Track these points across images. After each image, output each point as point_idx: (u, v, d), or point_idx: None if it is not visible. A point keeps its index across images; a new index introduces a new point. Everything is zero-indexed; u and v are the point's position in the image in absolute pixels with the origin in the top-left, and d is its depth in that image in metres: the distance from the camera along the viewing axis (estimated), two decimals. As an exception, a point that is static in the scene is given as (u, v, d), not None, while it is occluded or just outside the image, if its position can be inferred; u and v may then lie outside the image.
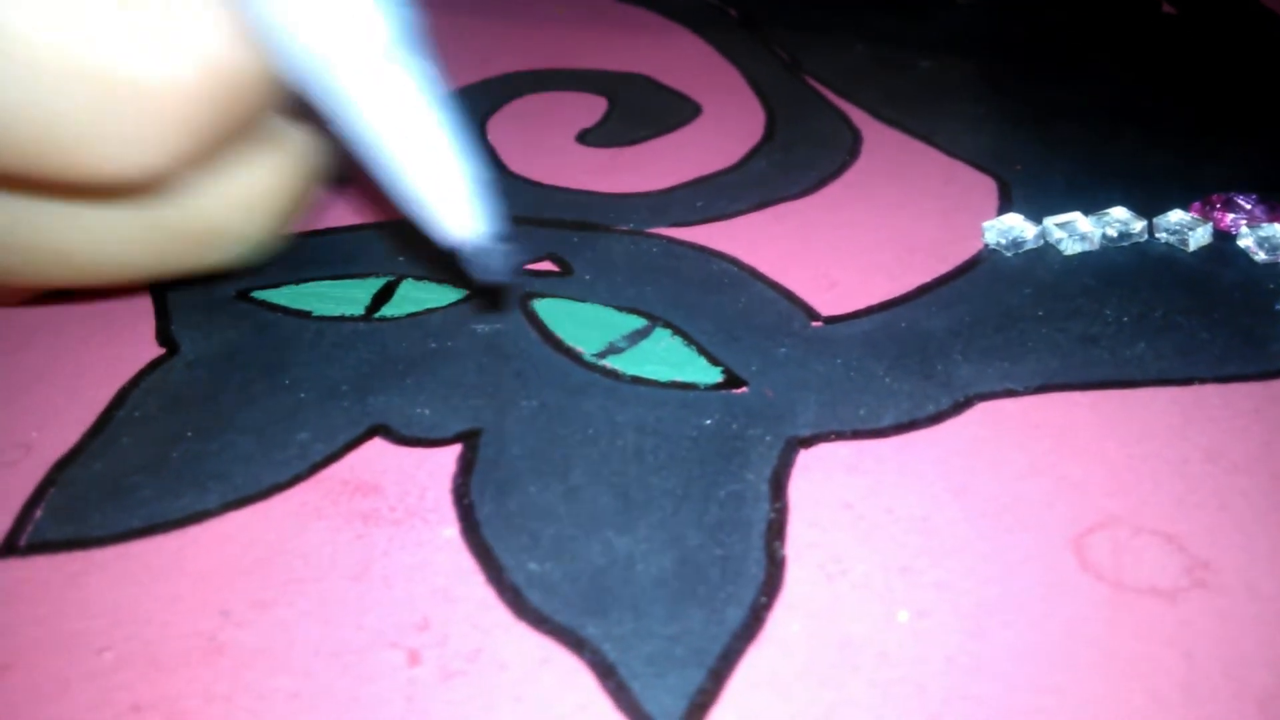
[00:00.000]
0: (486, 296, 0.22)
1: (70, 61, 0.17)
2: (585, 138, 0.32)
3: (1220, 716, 0.16)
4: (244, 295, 0.25)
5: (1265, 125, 0.32)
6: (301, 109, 0.20)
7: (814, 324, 0.24)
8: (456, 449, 0.21)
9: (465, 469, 0.20)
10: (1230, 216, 0.27)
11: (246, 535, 0.19)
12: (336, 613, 0.18)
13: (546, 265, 0.26)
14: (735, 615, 0.18)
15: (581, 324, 0.24)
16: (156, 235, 0.21)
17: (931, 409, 0.22)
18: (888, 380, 0.22)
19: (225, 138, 0.19)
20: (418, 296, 0.25)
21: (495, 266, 0.20)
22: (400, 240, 0.27)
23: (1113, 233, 0.26)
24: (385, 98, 0.18)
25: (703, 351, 0.23)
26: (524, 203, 0.29)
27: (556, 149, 0.31)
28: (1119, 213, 0.27)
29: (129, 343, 0.24)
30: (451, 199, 0.19)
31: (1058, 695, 0.16)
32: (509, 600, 0.18)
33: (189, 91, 0.18)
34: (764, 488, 0.20)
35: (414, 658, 0.17)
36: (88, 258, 0.21)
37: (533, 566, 0.18)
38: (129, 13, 0.17)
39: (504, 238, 0.19)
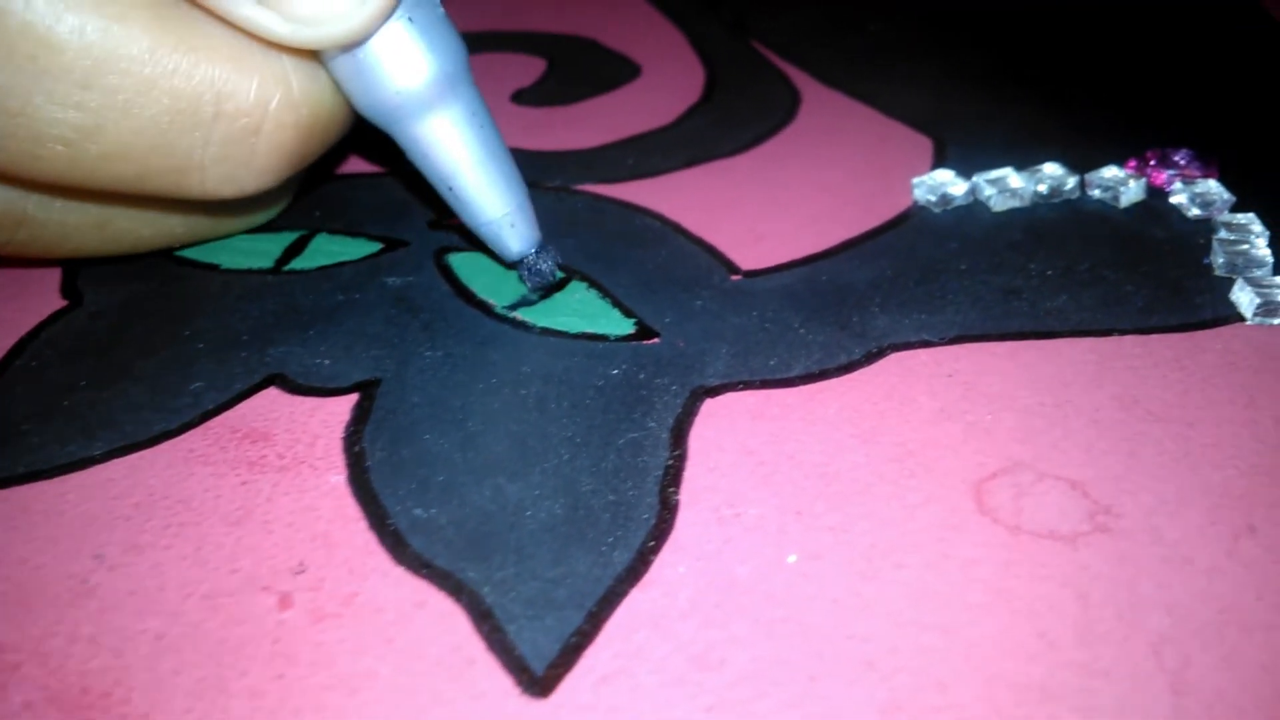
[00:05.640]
0: (541, 293, 0.23)
1: (203, 101, 0.19)
2: (520, 97, 0.32)
3: (1111, 658, 0.16)
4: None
5: (1210, 88, 0.32)
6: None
7: (733, 277, 0.24)
8: (353, 398, 0.20)
9: (360, 417, 0.20)
10: (1166, 173, 0.26)
11: (129, 481, 0.19)
12: (212, 556, 0.17)
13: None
14: (621, 558, 0.17)
15: (496, 277, 0.24)
16: (197, 211, 0.23)
17: (844, 359, 0.21)
18: (802, 331, 0.22)
19: (308, 161, 0.21)
20: (330, 249, 0.24)
21: (545, 269, 0.22)
22: (319, 193, 0.26)
23: (1044, 189, 0.26)
24: (454, 132, 0.20)
25: (617, 304, 0.23)
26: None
27: (490, 108, 0.31)
28: (1051, 169, 0.26)
29: (36, 294, 0.24)
30: (514, 217, 0.21)
31: (945, 634, 0.16)
32: (389, 545, 0.17)
33: (298, 128, 0.20)
34: (665, 435, 0.19)
35: (286, 601, 0.17)
36: (133, 233, 0.22)
37: (418, 512, 0.18)
38: (254, 59, 0.19)
39: (545, 244, 0.22)
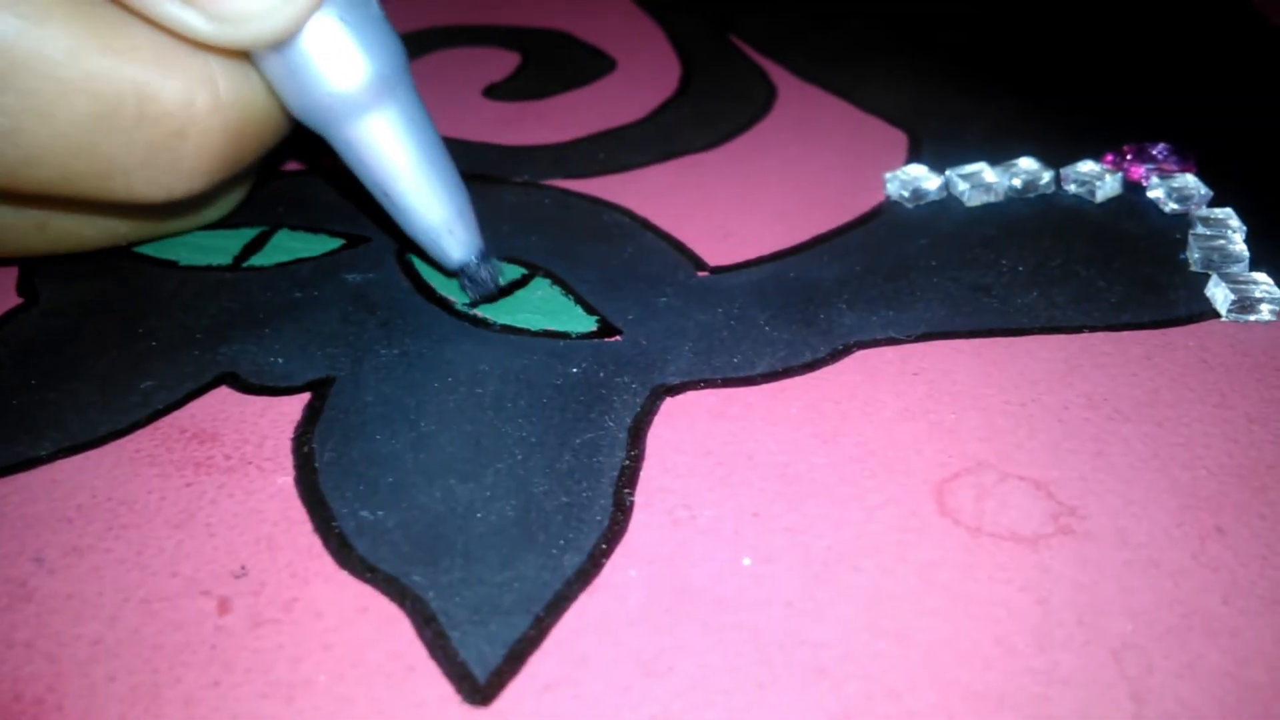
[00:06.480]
0: (484, 301, 0.22)
1: (125, 103, 0.18)
2: (493, 92, 0.31)
3: (1071, 665, 0.15)
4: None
5: (1187, 81, 0.31)
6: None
7: (700, 274, 0.23)
8: (304, 397, 0.20)
9: (311, 417, 0.19)
10: (1143, 167, 0.26)
11: (74, 482, 0.18)
12: (153, 560, 0.17)
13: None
14: (572, 562, 0.17)
15: (457, 274, 0.23)
16: (139, 211, 0.22)
17: (808, 356, 0.21)
18: (768, 329, 0.21)
19: (241, 165, 0.21)
20: (290, 246, 0.24)
21: (486, 279, 0.21)
22: (282, 189, 0.26)
23: (1019, 183, 0.25)
24: (390, 135, 0.19)
25: (580, 300, 0.22)
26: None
27: (461, 103, 0.31)
28: (1026, 163, 0.26)
29: (-9, 293, 0.23)
30: (453, 224, 0.20)
31: (899, 640, 0.15)
32: (334, 548, 0.17)
33: (226, 131, 0.19)
34: (622, 435, 0.19)
35: (225, 606, 0.16)
36: (75, 234, 0.22)
37: (365, 514, 0.17)
38: (178, 60, 0.18)
39: (487, 254, 0.21)
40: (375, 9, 0.19)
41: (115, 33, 0.18)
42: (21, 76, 0.17)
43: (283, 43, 0.18)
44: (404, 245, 0.24)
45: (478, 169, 0.27)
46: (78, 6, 0.17)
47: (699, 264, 0.24)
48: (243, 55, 0.19)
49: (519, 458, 0.19)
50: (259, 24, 0.17)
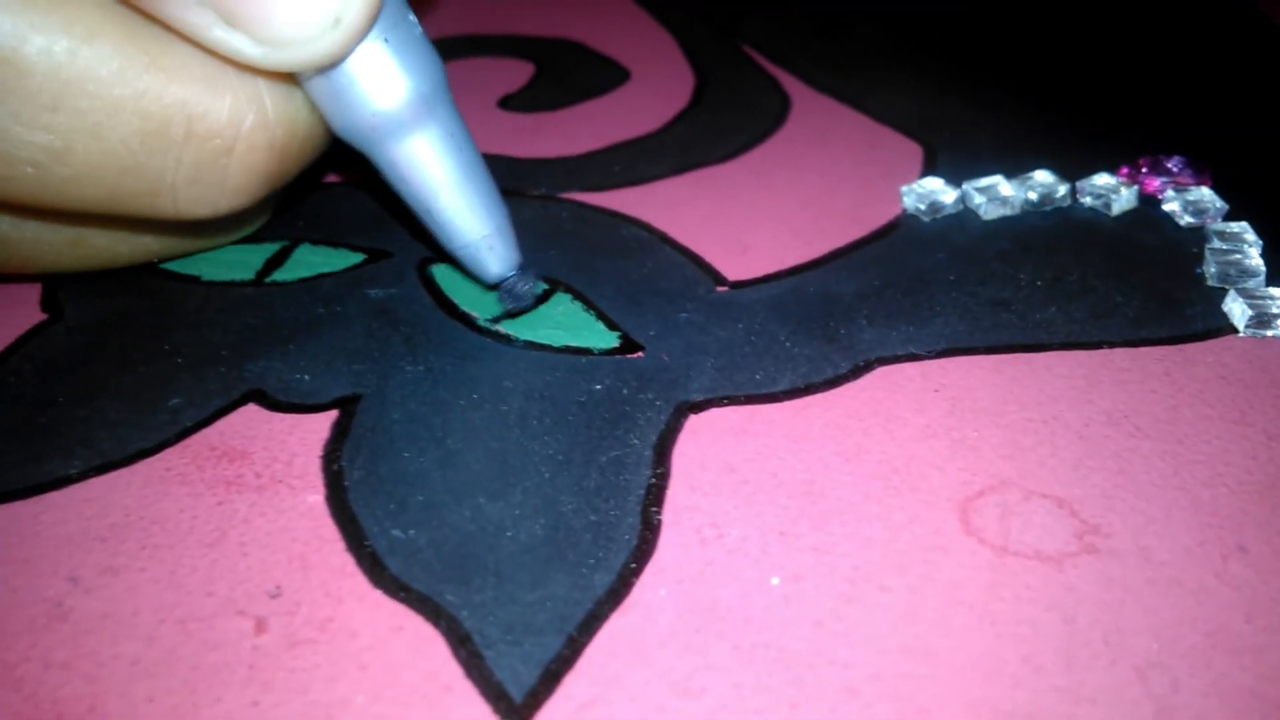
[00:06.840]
0: (514, 314, 0.23)
1: (174, 122, 0.18)
2: (508, 103, 0.31)
3: (1097, 684, 0.15)
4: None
5: (1204, 93, 0.31)
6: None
7: (719, 289, 0.23)
8: (332, 415, 0.20)
9: (339, 435, 0.20)
10: (1158, 180, 0.26)
11: (105, 501, 0.18)
12: (187, 579, 0.17)
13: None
14: (602, 581, 0.17)
15: (480, 289, 0.23)
16: (173, 228, 0.23)
17: (830, 373, 0.21)
18: (788, 345, 0.22)
19: (285, 180, 0.21)
20: (312, 261, 0.24)
21: (524, 292, 0.22)
22: (302, 203, 0.26)
23: (1034, 196, 0.25)
24: (432, 153, 0.20)
25: (601, 316, 0.22)
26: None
27: (476, 114, 0.31)
28: (1042, 176, 0.26)
29: (17, 307, 0.23)
30: (493, 240, 0.21)
31: (928, 659, 0.16)
32: (366, 568, 0.17)
33: (273, 149, 0.19)
34: (648, 453, 0.19)
35: (261, 626, 0.16)
36: (108, 250, 0.22)
37: (396, 533, 0.18)
38: (226, 79, 0.19)
39: (525, 267, 0.21)
40: (417, 28, 0.19)
41: (164, 52, 0.18)
42: (73, 96, 0.17)
43: (330, 67, 0.18)
44: (427, 258, 0.24)
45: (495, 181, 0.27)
46: (127, 27, 0.18)
47: (718, 279, 0.24)
48: (288, 75, 0.19)
49: (546, 476, 0.19)
50: (307, 49, 0.18)
